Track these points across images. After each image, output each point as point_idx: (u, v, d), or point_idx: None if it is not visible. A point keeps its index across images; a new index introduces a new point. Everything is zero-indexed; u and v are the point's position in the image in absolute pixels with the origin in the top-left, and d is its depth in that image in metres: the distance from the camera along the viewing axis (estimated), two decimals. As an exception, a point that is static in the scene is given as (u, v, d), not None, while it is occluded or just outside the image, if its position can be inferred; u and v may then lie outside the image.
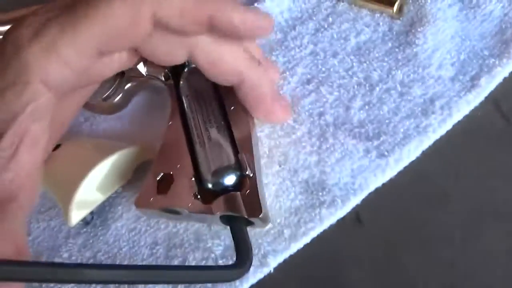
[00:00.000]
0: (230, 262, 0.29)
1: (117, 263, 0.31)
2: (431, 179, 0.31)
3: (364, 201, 0.30)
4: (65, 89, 0.24)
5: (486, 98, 0.32)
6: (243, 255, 0.26)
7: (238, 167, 0.29)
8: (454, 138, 0.31)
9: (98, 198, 0.31)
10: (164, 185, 0.29)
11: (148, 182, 0.29)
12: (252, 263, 0.29)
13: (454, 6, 0.35)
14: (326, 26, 0.35)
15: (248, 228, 0.28)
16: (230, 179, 0.29)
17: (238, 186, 0.29)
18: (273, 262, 0.30)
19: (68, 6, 0.23)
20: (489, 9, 0.34)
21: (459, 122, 0.31)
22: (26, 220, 0.33)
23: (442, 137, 0.31)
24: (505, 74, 0.32)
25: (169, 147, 0.30)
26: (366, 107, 0.32)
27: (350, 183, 0.30)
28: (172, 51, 0.26)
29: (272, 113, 0.30)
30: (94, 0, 0.23)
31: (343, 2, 0.36)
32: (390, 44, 0.34)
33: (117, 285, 0.29)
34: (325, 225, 0.30)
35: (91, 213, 0.32)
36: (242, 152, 0.29)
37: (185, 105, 0.31)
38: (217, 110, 0.31)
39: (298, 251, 0.30)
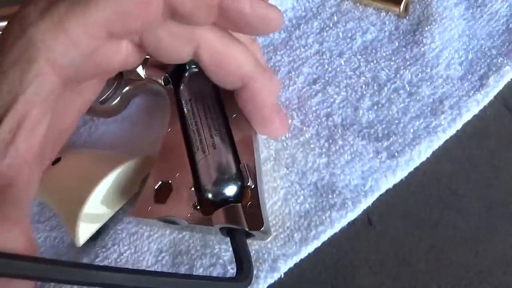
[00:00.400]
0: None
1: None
2: (442, 180, 0.30)
3: (375, 203, 0.30)
4: (70, 74, 0.22)
5: (496, 97, 0.32)
6: (244, 269, 0.25)
7: (239, 177, 0.28)
8: (464, 139, 0.31)
9: (105, 213, 0.30)
10: (163, 194, 0.28)
11: (146, 190, 0.28)
12: (263, 269, 0.29)
13: (460, 4, 0.34)
14: (331, 25, 0.35)
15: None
16: (230, 190, 0.28)
17: (239, 197, 0.28)
18: (284, 266, 0.29)
19: None
20: (495, 8, 0.34)
21: (469, 122, 0.31)
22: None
23: (452, 138, 0.31)
24: (514, 73, 0.32)
25: (168, 154, 0.29)
26: (375, 107, 0.32)
27: (360, 185, 0.30)
28: (177, 46, 0.25)
29: (269, 123, 0.29)
30: None
31: (347, 0, 0.35)
32: (397, 43, 0.33)
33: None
34: (336, 228, 0.29)
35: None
36: (244, 162, 0.28)
37: (185, 111, 0.30)
38: (218, 117, 0.30)
39: (309, 255, 0.29)
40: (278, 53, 0.35)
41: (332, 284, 0.29)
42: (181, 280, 0.22)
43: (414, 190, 0.30)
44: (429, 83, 0.32)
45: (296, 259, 0.29)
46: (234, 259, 0.29)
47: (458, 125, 0.31)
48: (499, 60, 0.32)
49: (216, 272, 0.29)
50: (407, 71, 0.32)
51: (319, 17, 0.35)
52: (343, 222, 0.29)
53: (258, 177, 0.28)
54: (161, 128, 0.30)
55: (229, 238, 0.27)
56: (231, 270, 0.29)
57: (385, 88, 0.32)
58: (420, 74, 0.32)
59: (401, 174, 0.30)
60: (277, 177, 0.31)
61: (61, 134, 0.26)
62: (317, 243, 0.29)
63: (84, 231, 0.29)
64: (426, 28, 0.33)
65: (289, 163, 0.31)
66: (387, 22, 0.34)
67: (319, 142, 0.31)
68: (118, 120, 0.35)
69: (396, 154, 0.30)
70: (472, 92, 0.31)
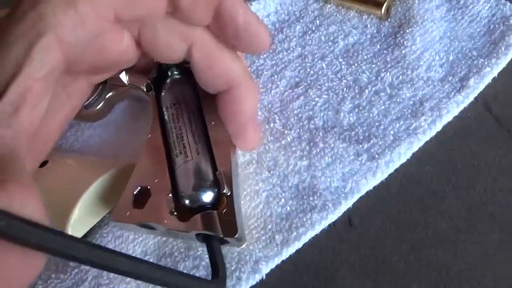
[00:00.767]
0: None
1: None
2: (422, 181, 0.31)
3: (356, 205, 0.30)
4: (73, 54, 0.23)
5: (477, 99, 0.32)
6: (219, 274, 0.25)
7: (216, 184, 0.28)
8: (445, 140, 0.31)
9: (91, 220, 0.31)
10: (141, 199, 0.28)
11: (124, 195, 0.28)
12: (245, 270, 0.29)
13: (442, 6, 0.35)
14: (313, 29, 0.35)
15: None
16: (207, 197, 0.28)
17: (215, 204, 0.28)
18: (265, 268, 0.29)
19: None
20: (477, 9, 0.34)
21: (449, 123, 0.31)
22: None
23: (432, 139, 0.31)
24: (494, 74, 0.32)
25: (148, 160, 0.29)
26: (356, 110, 0.32)
27: (341, 187, 0.30)
28: (172, 43, 0.26)
29: (244, 131, 0.29)
30: None
31: (330, 4, 0.36)
32: (378, 46, 0.34)
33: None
34: (317, 230, 0.30)
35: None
36: (220, 169, 0.28)
37: (166, 117, 0.30)
38: (198, 124, 0.30)
39: (290, 256, 0.30)
40: (261, 57, 0.35)
41: (313, 285, 0.29)
42: (157, 271, 0.22)
43: (395, 192, 0.31)
44: (409, 85, 0.32)
45: (277, 261, 0.29)
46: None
47: (438, 127, 0.31)
48: (479, 62, 0.32)
49: (199, 274, 0.29)
50: (388, 73, 0.33)
51: (302, 21, 0.36)
52: (324, 224, 0.30)
53: (234, 185, 0.28)
54: (145, 134, 0.30)
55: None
56: (214, 272, 0.29)
57: (366, 91, 0.32)
58: (400, 76, 0.32)
59: (381, 176, 0.30)
60: (259, 180, 0.31)
61: (48, 138, 0.26)
62: (298, 245, 0.29)
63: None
64: (407, 31, 0.33)
65: (271, 166, 0.31)
66: (369, 25, 0.35)
67: (300, 145, 0.31)
68: (104, 125, 0.35)
69: (376, 156, 0.30)
70: (453, 93, 0.32)
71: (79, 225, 0.30)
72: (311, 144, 0.31)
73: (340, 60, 0.34)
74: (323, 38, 0.35)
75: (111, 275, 0.29)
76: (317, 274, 0.30)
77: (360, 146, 0.31)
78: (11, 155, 0.20)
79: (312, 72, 0.34)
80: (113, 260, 0.19)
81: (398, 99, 0.32)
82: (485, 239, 0.29)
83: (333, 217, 0.30)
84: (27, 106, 0.21)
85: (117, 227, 0.31)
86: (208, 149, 0.29)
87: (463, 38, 0.33)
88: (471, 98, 0.32)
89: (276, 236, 0.30)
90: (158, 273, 0.22)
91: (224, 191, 0.28)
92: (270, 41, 0.26)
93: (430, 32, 0.33)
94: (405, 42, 0.33)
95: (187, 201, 0.28)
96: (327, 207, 0.30)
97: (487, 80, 0.32)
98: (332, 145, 0.31)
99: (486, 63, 0.32)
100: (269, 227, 0.30)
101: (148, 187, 0.28)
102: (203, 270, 0.30)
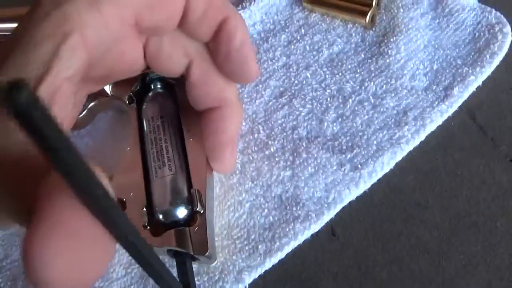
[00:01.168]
0: (206, 278, 0.29)
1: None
2: (405, 191, 0.31)
3: (338, 215, 0.30)
4: (95, 57, 0.22)
5: (461, 108, 0.32)
6: None
7: (190, 201, 0.28)
8: (428, 149, 0.31)
9: None
10: None
11: None
12: (228, 280, 0.29)
13: (427, 15, 0.34)
14: (298, 38, 0.35)
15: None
16: (181, 213, 0.28)
17: (188, 221, 0.28)
18: (248, 278, 0.29)
19: None
20: (462, 17, 0.34)
21: (433, 132, 0.31)
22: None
23: (416, 149, 0.31)
24: (479, 83, 0.32)
25: (125, 172, 0.29)
26: (339, 119, 0.32)
27: (324, 197, 0.30)
28: (175, 57, 0.26)
29: (222, 151, 0.29)
30: None
31: (315, 13, 0.36)
32: (362, 55, 0.34)
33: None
34: (300, 240, 0.30)
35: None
36: (195, 187, 0.28)
37: (146, 130, 0.30)
38: (177, 140, 0.30)
39: (273, 266, 0.30)
40: (246, 66, 0.35)
41: (296, 295, 0.30)
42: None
43: (378, 202, 0.31)
44: (393, 94, 0.32)
45: (260, 271, 0.29)
46: (200, 271, 0.30)
47: (422, 136, 0.31)
48: (464, 70, 0.32)
49: (182, 284, 0.30)
50: (372, 83, 0.33)
51: (287, 30, 0.36)
52: (307, 234, 0.30)
53: (208, 203, 0.28)
54: (126, 145, 0.31)
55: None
56: (197, 282, 0.30)
57: (350, 100, 0.32)
58: (384, 85, 0.32)
59: (364, 186, 0.30)
60: (243, 190, 0.31)
61: None
62: (281, 255, 0.30)
63: None
64: (391, 39, 0.33)
65: (255, 176, 0.31)
66: (353, 34, 0.35)
67: (284, 155, 0.32)
68: (91, 134, 0.35)
69: (359, 166, 0.30)
70: (436, 102, 0.31)
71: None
72: (295, 154, 0.31)
73: (325, 69, 0.34)
74: (307, 47, 0.35)
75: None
76: (300, 284, 0.30)
77: (343, 156, 0.31)
78: None
79: (296, 81, 0.34)
80: None
81: (382, 109, 0.32)
82: (468, 249, 0.29)
83: (316, 227, 0.30)
84: (56, 105, 0.20)
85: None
86: (185, 166, 0.29)
87: (448, 47, 0.33)
88: (455, 107, 0.31)
89: (259, 246, 0.30)
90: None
91: (197, 209, 0.28)
92: (257, 73, 0.27)
93: (414, 41, 0.33)
94: (389, 51, 0.33)
95: (161, 216, 0.28)
96: (310, 217, 0.30)
97: (472, 88, 0.32)
98: (315, 155, 0.31)
99: (470, 71, 0.32)
100: (252, 237, 0.30)
101: (124, 199, 0.28)
102: (187, 280, 0.30)
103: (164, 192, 0.28)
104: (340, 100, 0.33)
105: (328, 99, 0.33)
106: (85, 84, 0.25)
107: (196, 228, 0.27)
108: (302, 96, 0.33)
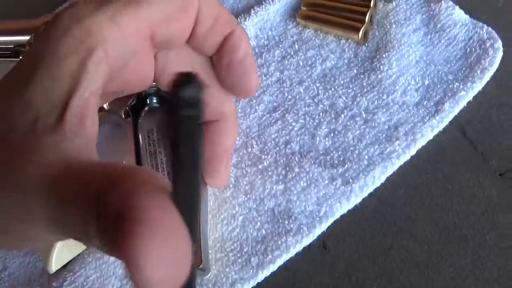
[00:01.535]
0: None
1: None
2: (396, 205, 0.31)
3: (330, 228, 0.31)
4: (114, 71, 0.23)
5: (452, 123, 0.32)
6: None
7: None
8: (419, 164, 0.32)
9: (77, 245, 0.32)
10: None
11: None
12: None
13: (419, 30, 0.35)
14: (292, 53, 0.36)
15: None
16: None
17: None
18: (241, 291, 0.30)
19: None
20: (454, 33, 0.34)
21: (424, 147, 0.32)
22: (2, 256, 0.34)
23: (407, 163, 0.32)
24: (469, 98, 0.32)
25: None
26: (331, 134, 0.33)
27: (315, 211, 0.31)
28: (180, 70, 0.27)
29: (217, 164, 0.30)
30: None
31: (309, 28, 0.36)
32: (355, 71, 0.34)
33: None
34: (292, 253, 0.30)
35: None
36: None
37: (141, 144, 0.31)
38: (169, 155, 0.31)
39: (266, 279, 0.30)
40: (241, 81, 0.36)
41: (287, 307, 0.30)
42: None
43: (369, 215, 0.31)
44: (385, 109, 0.33)
45: (253, 283, 0.30)
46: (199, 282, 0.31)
47: (413, 151, 0.31)
48: (455, 85, 0.32)
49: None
50: (364, 98, 0.33)
51: (281, 46, 0.36)
52: (299, 247, 0.30)
53: (202, 216, 0.29)
54: (121, 159, 0.31)
55: None
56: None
57: (342, 115, 0.33)
58: (376, 101, 0.33)
59: (355, 200, 0.31)
60: (236, 204, 0.32)
61: None
62: (273, 267, 0.30)
63: (58, 261, 0.31)
64: (384, 55, 0.34)
65: (248, 190, 0.32)
66: (346, 50, 0.35)
67: (276, 169, 0.32)
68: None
69: (350, 180, 0.31)
70: (427, 118, 0.32)
71: (65, 251, 0.31)
72: (287, 168, 0.32)
73: (318, 84, 0.34)
74: (301, 62, 0.35)
75: None
76: (291, 297, 0.30)
77: (335, 170, 0.31)
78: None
79: (290, 96, 0.34)
80: None
81: (373, 124, 0.32)
82: (458, 262, 0.29)
83: (307, 240, 0.30)
84: (88, 117, 0.21)
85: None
86: None
87: (439, 62, 0.34)
88: (445, 122, 0.32)
89: (252, 259, 0.30)
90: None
91: None
92: (258, 85, 0.27)
93: (406, 57, 0.34)
94: (381, 66, 0.34)
95: None
96: (302, 230, 0.30)
97: (462, 104, 0.32)
98: (307, 170, 0.32)
99: (461, 87, 0.32)
100: (245, 250, 0.31)
101: None
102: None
103: None
104: (333, 115, 0.33)
105: (321, 114, 0.33)
106: (102, 99, 0.26)
107: None
108: (295, 111, 0.34)
